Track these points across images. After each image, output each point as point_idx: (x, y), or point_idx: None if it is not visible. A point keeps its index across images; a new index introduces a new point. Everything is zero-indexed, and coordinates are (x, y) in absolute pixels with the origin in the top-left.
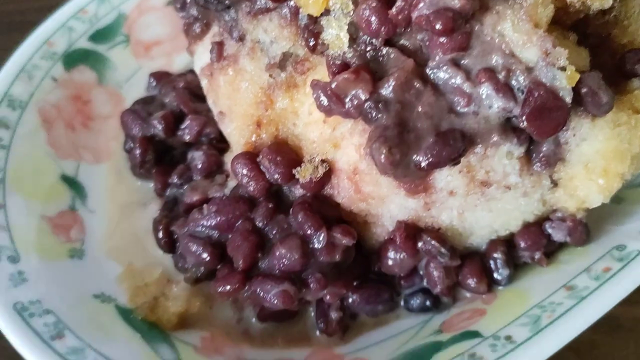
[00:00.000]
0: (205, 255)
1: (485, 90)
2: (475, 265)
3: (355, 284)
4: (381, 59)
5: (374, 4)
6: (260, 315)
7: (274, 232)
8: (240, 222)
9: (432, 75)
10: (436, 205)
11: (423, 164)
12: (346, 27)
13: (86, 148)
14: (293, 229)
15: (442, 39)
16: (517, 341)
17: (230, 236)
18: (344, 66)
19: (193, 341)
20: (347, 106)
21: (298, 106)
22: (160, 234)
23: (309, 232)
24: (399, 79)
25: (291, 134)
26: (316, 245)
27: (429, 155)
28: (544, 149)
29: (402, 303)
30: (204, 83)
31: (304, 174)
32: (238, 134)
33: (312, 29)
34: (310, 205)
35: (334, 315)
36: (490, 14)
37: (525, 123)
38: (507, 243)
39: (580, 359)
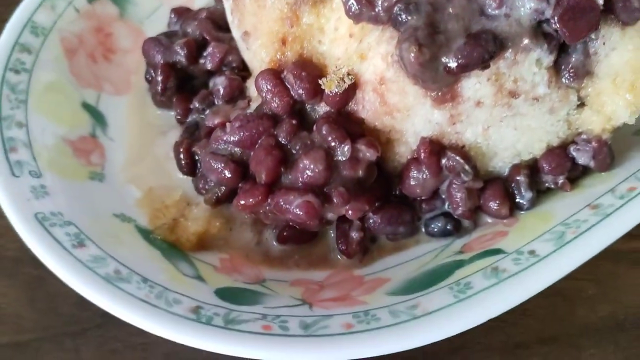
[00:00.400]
0: (227, 172)
1: None
2: (497, 188)
3: (377, 204)
4: None
5: None
6: (280, 238)
7: (297, 148)
8: (263, 138)
9: None
10: (462, 119)
11: (453, 65)
12: None
13: (107, 79)
14: (317, 144)
15: None
16: (540, 255)
17: (252, 153)
18: None
19: (212, 262)
20: (377, 9)
21: (324, 22)
22: (182, 155)
23: (333, 144)
24: None
25: (316, 52)
26: (340, 158)
27: (460, 57)
28: (573, 59)
29: (422, 229)
30: (228, 4)
31: (330, 85)
32: (263, 52)
33: None
34: (334, 120)
35: (354, 235)
36: None
37: (557, 24)
38: (531, 167)
39: (600, 288)
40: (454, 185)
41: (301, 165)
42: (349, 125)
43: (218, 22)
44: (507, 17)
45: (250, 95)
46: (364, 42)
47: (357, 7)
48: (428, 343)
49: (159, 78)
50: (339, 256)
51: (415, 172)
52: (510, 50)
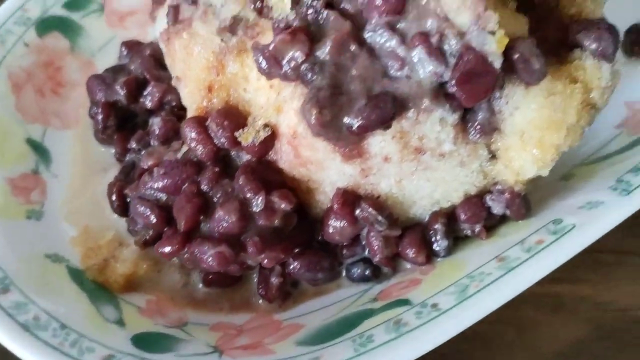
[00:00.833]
0: (152, 217)
1: (418, 54)
2: (415, 236)
3: (297, 250)
4: (321, 21)
5: None
6: (205, 280)
7: (218, 195)
8: (186, 185)
9: (368, 39)
10: (373, 172)
11: (354, 127)
12: None
13: (54, 114)
14: (235, 193)
15: (377, 2)
16: (442, 309)
17: (176, 200)
18: (288, 28)
19: (139, 303)
20: (284, 68)
21: (248, 71)
22: (114, 197)
23: (248, 195)
24: (335, 41)
25: (242, 99)
26: (255, 209)
27: (360, 118)
28: (479, 117)
29: (344, 273)
30: (162, 47)
31: (247, 137)
32: (190, 99)
33: None
34: (252, 170)
35: (274, 280)
36: None
37: (454, 87)
38: (449, 214)
39: (521, 336)
40: (372, 233)
41: (217, 216)
42: (269, 173)
43: (162, 60)
44: (408, 79)
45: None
46: (281, 94)
47: (266, 66)
48: None
49: (99, 117)
50: (260, 300)
51: (333, 220)
52: (412, 110)
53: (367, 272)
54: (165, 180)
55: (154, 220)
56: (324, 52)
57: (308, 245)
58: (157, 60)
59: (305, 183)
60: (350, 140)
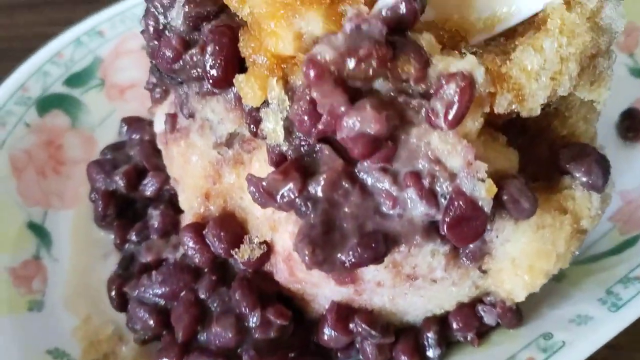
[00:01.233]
0: (151, 322)
1: (411, 194)
2: (408, 343)
3: (292, 355)
4: (315, 154)
5: (305, 106)
6: None
7: (215, 304)
8: (184, 293)
9: (361, 176)
10: (366, 292)
11: (346, 264)
12: (282, 121)
13: (55, 194)
14: (232, 303)
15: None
16: None
17: (174, 306)
18: (281, 157)
19: None
20: (278, 202)
21: (244, 182)
22: (113, 294)
23: (244, 310)
24: (328, 179)
25: (238, 206)
26: (251, 324)
27: (352, 257)
28: (470, 247)
29: None
30: (160, 148)
31: (243, 254)
32: (188, 204)
33: (255, 115)
34: (248, 283)
35: None
36: (417, 127)
37: (445, 231)
38: (442, 321)
39: None
40: (365, 342)
41: (214, 330)
42: (265, 284)
43: None
44: (400, 217)
45: None
46: (276, 213)
47: (260, 199)
48: None
49: (99, 206)
50: None
51: (327, 329)
52: (404, 245)
53: None
54: (164, 288)
55: (152, 325)
56: (316, 188)
57: (304, 348)
58: (156, 148)
59: (301, 295)
60: (344, 271)
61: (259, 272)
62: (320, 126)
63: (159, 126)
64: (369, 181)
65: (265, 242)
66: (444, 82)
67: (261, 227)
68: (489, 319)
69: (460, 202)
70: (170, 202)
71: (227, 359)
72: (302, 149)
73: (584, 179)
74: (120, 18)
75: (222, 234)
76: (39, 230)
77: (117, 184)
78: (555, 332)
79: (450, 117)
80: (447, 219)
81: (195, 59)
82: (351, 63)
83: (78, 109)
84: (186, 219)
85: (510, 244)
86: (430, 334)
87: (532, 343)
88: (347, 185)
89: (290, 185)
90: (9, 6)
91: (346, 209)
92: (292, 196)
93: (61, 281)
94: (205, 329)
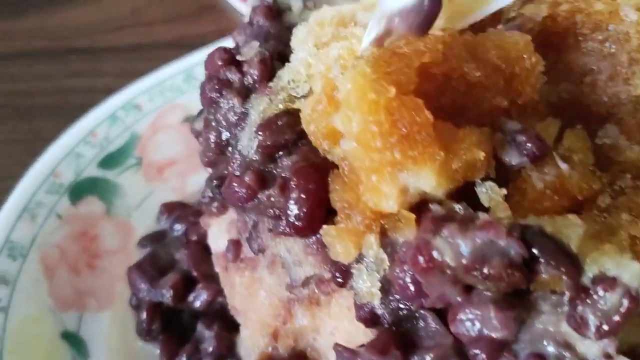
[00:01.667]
0: None
1: None
2: None
3: None
4: (415, 320)
5: (409, 278)
6: None
7: None
8: None
9: (473, 352)
10: None
11: None
12: (379, 283)
13: (90, 293)
14: None
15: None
16: None
17: None
18: (372, 315)
19: None
20: None
21: (319, 324)
22: None
23: None
24: (436, 358)
25: (310, 346)
26: None
27: None
28: None
29: None
30: (217, 269)
31: None
32: (252, 342)
33: (342, 267)
34: None
35: None
36: (546, 315)
37: None
38: None
39: None
40: None
41: None
42: None
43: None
44: None
45: (239, 353)
46: None
47: None
48: None
49: (143, 318)
50: None
51: None
52: None
53: None
54: None
55: None
56: None
57: None
58: (205, 249)
59: None
60: None
61: None
62: (426, 303)
63: (216, 243)
64: None
65: None
66: (599, 289)
67: None
68: None
69: None
70: (222, 317)
71: None
72: (399, 312)
73: None
74: (159, 89)
75: None
76: (73, 341)
77: (163, 296)
78: None
79: (603, 330)
80: None
81: (273, 199)
82: (473, 277)
83: (113, 193)
84: (251, 357)
85: None
86: None
87: None
88: None
89: None
90: (27, 54)
91: None
92: None
93: None
94: None
